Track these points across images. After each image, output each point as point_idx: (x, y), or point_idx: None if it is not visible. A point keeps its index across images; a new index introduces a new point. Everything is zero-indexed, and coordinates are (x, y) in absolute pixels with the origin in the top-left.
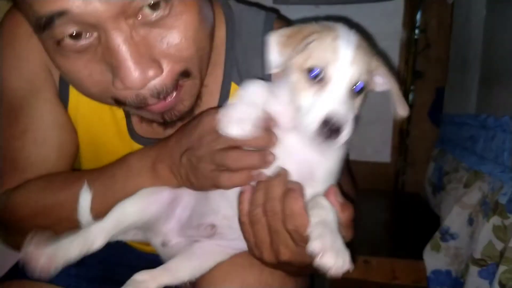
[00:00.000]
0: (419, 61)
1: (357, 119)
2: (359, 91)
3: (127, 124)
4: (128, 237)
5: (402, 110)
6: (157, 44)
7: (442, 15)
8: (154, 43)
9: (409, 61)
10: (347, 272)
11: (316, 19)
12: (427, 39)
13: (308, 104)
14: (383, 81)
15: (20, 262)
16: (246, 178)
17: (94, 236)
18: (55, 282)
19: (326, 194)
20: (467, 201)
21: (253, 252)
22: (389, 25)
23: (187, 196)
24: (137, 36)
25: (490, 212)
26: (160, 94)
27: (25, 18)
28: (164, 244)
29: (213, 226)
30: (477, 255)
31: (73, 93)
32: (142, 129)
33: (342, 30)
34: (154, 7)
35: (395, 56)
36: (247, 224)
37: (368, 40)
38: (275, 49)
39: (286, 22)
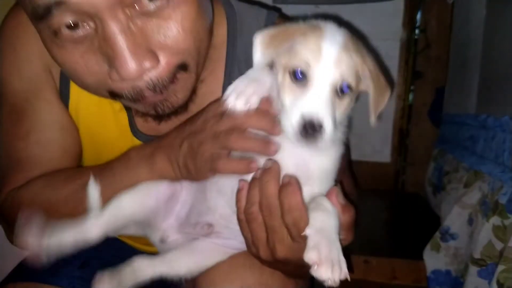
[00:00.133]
0: (419, 61)
1: (350, 119)
2: (344, 93)
3: (129, 121)
4: (130, 232)
5: (371, 119)
6: (154, 35)
7: (442, 15)
8: (151, 34)
9: (409, 61)
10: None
11: (304, 18)
12: (427, 39)
13: (290, 103)
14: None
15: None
16: (243, 167)
17: (89, 227)
18: (59, 284)
19: (328, 194)
20: (467, 201)
21: (251, 249)
22: (389, 25)
23: (185, 193)
24: (134, 27)
25: (490, 212)
26: (156, 87)
27: (22, 7)
28: (162, 241)
29: (210, 225)
30: (477, 255)
31: (74, 92)
32: (144, 126)
33: (328, 30)
34: None
35: (395, 56)
36: (244, 221)
37: (359, 40)
38: (258, 49)
39: (288, 21)
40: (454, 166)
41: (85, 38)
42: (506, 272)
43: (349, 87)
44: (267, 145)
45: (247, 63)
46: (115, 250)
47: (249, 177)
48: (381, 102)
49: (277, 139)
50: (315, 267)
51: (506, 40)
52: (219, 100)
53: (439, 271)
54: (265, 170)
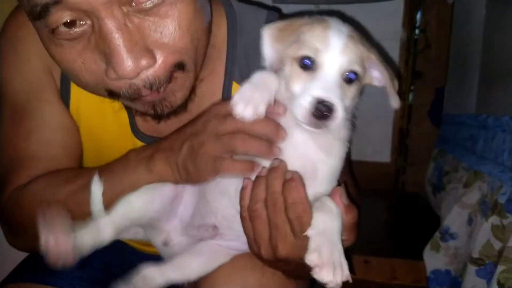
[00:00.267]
0: (419, 61)
1: (354, 116)
2: (352, 81)
3: (129, 121)
4: (129, 236)
5: (394, 102)
6: (151, 33)
7: (442, 15)
8: (148, 32)
9: (409, 61)
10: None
11: (309, 13)
12: (427, 39)
13: (300, 90)
14: (380, 75)
15: (41, 250)
16: (248, 168)
17: (103, 228)
18: (59, 284)
19: (332, 195)
20: (467, 201)
21: (252, 248)
22: (389, 25)
23: (188, 195)
24: (130, 24)
25: (489, 211)
26: (153, 86)
27: (20, 5)
28: (166, 243)
29: (214, 227)
30: (475, 254)
31: (74, 93)
32: (144, 126)
33: (334, 21)
34: None
35: (395, 56)
36: (247, 219)
37: (362, 34)
38: (268, 43)
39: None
40: (454, 166)
41: (82, 36)
42: (506, 272)
43: (356, 74)
44: (270, 148)
45: (247, 63)
46: (115, 251)
47: (251, 177)
48: (393, 87)
49: (290, 137)
50: (317, 269)
51: (506, 40)
52: (220, 102)
53: (439, 271)
54: (272, 169)
